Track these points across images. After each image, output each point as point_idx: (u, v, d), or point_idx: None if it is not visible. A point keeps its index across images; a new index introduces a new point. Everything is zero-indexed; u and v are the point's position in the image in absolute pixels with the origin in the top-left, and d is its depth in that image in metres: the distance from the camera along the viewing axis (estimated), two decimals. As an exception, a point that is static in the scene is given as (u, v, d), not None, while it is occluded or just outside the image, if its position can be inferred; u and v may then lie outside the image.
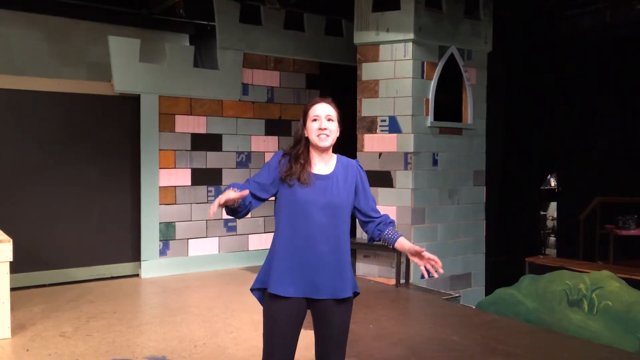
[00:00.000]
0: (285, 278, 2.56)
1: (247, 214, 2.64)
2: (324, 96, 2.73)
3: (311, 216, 2.56)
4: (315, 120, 2.61)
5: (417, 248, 2.65)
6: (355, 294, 2.71)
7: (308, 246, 2.56)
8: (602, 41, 8.89)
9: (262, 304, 2.69)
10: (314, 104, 2.65)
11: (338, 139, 2.71)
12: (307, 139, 2.65)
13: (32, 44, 7.12)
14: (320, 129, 2.59)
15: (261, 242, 7.81)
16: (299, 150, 2.63)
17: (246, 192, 2.50)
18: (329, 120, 2.61)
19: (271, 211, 3.13)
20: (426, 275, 2.69)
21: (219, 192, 7.43)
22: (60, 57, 7.27)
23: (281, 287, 2.56)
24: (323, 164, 2.65)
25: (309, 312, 2.68)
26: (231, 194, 2.45)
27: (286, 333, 2.59)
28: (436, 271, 2.65)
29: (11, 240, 4.65)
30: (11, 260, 4.63)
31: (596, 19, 8.58)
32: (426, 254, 2.63)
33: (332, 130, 2.62)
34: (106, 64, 6.81)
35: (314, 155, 2.65)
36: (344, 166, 2.69)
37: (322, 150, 2.63)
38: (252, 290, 2.72)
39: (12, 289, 4.75)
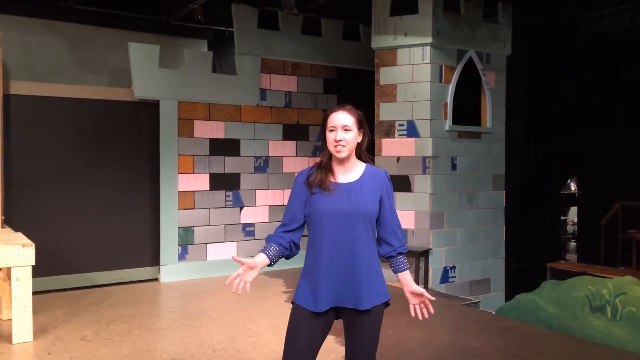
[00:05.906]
0: (311, 293, 2.55)
1: (296, 250, 2.69)
2: (343, 103, 2.67)
3: (332, 224, 2.52)
4: (331, 131, 2.57)
5: (421, 290, 2.65)
6: (386, 304, 2.64)
7: (332, 254, 2.52)
8: (623, 44, 8.79)
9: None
10: (331, 114, 2.61)
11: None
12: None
13: (53, 51, 7.24)
14: (335, 140, 2.55)
15: (279, 246, 7.78)
16: (323, 159, 2.62)
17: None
18: (345, 130, 2.55)
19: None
20: (412, 315, 2.65)
21: (237, 197, 7.49)
22: (81, 64, 7.39)
23: (307, 302, 2.55)
24: (346, 172, 2.61)
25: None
26: (247, 263, 2.65)
27: (305, 344, 2.55)
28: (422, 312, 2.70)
29: (33, 245, 4.71)
30: (33, 264, 4.68)
31: (616, 21, 8.49)
32: (426, 296, 2.64)
33: (349, 140, 2.55)
34: (126, 70, 6.89)
35: (336, 164, 2.62)
36: (372, 175, 2.62)
37: (341, 160, 2.60)
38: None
39: (34, 293, 4.80)
